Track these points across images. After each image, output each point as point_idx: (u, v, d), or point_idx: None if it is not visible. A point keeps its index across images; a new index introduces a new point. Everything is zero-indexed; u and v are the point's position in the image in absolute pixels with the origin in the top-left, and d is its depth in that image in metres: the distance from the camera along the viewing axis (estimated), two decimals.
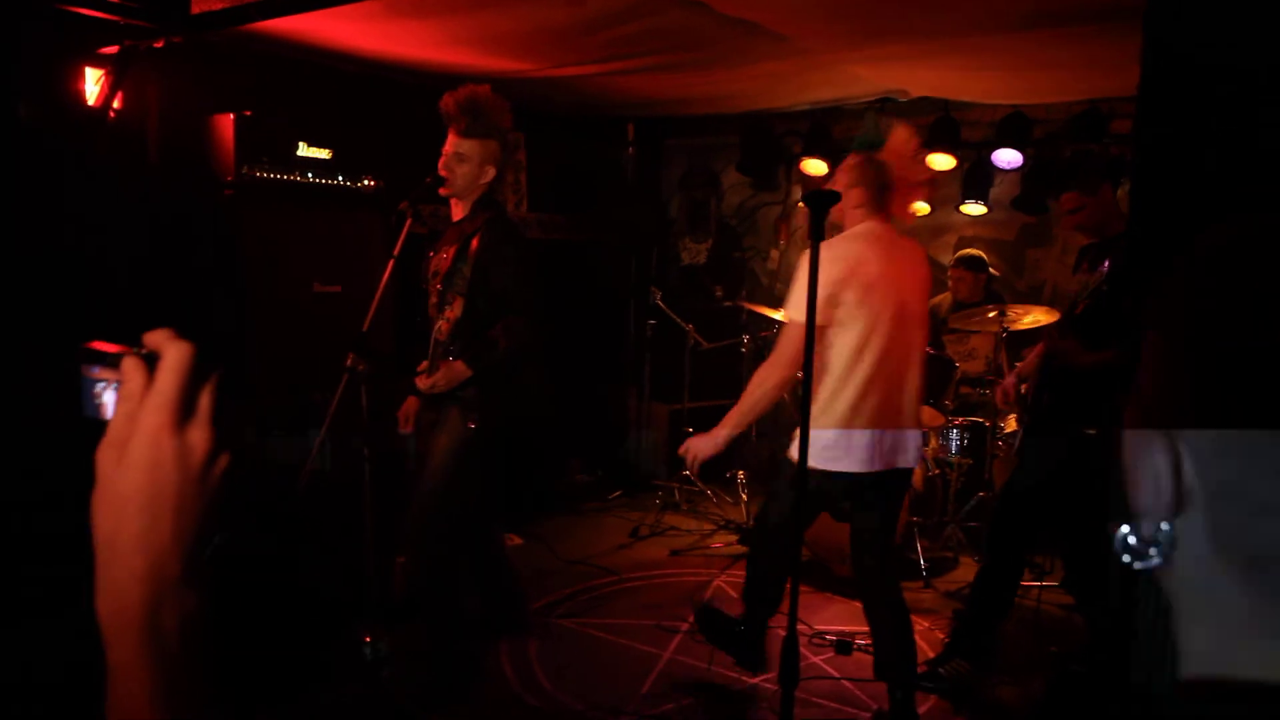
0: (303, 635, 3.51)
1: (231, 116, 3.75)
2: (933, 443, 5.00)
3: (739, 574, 4.56)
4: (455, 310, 3.09)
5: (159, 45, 3.35)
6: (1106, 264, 3.24)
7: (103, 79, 3.49)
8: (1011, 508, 3.48)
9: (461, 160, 3.09)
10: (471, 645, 3.41)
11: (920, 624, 3.95)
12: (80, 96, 3.47)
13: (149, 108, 3.75)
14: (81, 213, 3.55)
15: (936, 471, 4.82)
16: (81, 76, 3.46)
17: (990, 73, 4.20)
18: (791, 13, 3.29)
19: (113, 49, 3.43)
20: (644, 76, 4.50)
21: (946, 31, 3.35)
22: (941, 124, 5.12)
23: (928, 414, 4.83)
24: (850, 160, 3.04)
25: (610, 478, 6.02)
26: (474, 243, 3.10)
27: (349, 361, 3.08)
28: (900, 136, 2.99)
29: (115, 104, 3.55)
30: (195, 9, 3.20)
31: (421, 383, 3.11)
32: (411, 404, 3.38)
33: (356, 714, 3.12)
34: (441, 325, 3.12)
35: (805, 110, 5.53)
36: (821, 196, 2.01)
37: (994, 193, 5.48)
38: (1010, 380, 3.89)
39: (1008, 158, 5.00)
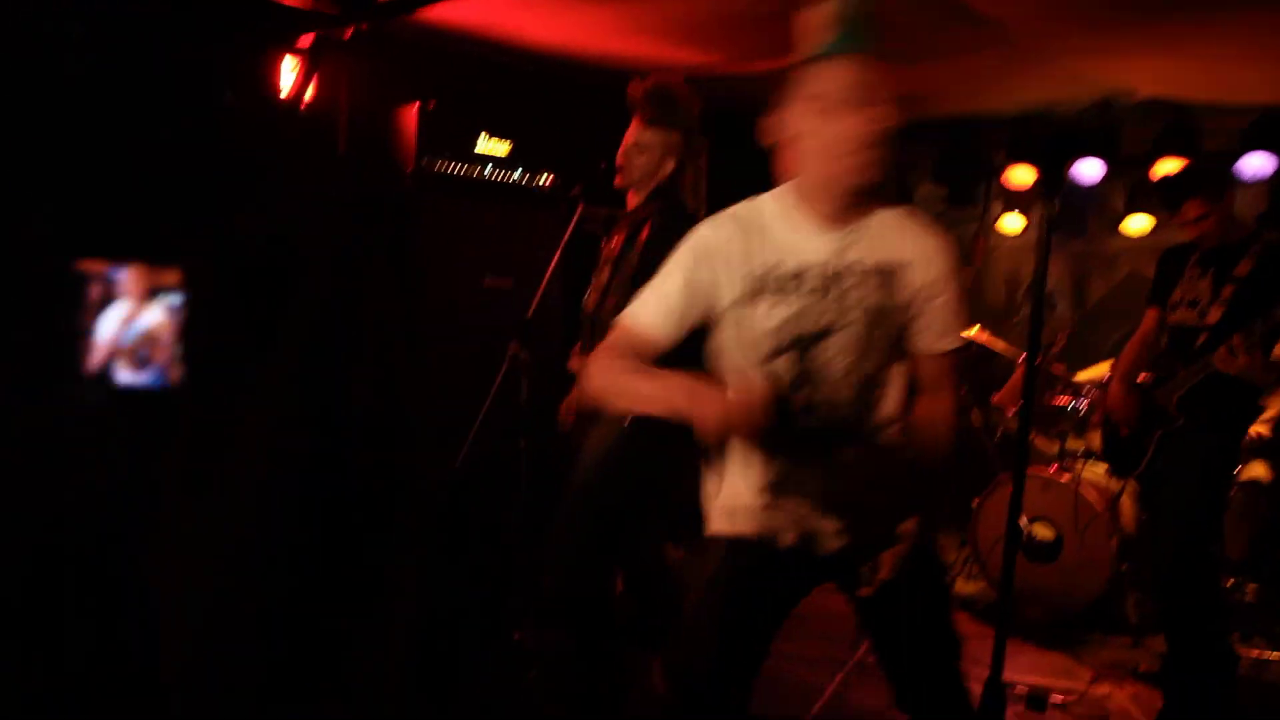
0: (450, 631, 3.42)
1: (415, 107, 3.79)
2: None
3: None
4: (618, 296, 2.92)
5: (348, 36, 3.40)
6: (1244, 267, 3.09)
7: (298, 69, 3.58)
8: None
9: (641, 150, 2.97)
10: (622, 653, 3.21)
11: (1132, 687, 3.43)
12: (277, 86, 3.57)
13: (339, 99, 3.83)
14: (275, 201, 3.64)
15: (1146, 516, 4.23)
16: (278, 67, 3.56)
17: (1240, 62, 3.67)
18: None
19: (307, 40, 3.50)
20: None
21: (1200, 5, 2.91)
22: (1175, 129, 4.55)
23: None
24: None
25: None
26: (644, 230, 2.95)
27: (512, 349, 3.02)
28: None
29: (307, 95, 3.64)
30: None
31: (574, 365, 2.95)
32: (575, 396, 3.23)
33: (497, 715, 2.97)
34: (599, 312, 2.96)
35: (1011, 118, 5.08)
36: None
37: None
38: (1120, 388, 3.44)
39: (1257, 165, 4.36)
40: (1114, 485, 4.16)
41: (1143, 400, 3.37)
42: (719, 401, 1.56)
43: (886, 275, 1.75)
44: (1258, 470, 4.14)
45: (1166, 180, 3.37)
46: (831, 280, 1.72)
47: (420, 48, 4.06)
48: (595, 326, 3.00)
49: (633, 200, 3.06)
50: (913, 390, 1.86)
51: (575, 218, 3.03)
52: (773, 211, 1.79)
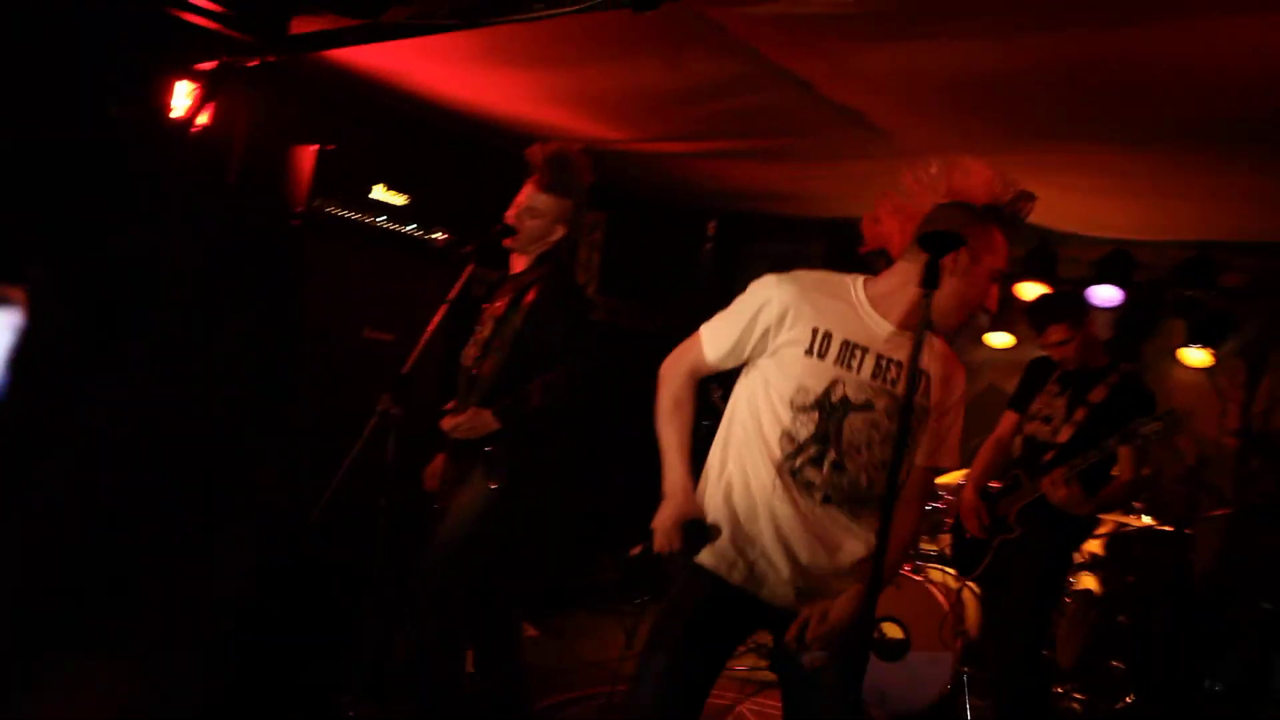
0: (288, 698, 3.21)
1: (313, 149, 3.70)
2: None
3: (765, 700, 4.14)
4: (497, 359, 2.90)
5: (253, 64, 3.31)
6: (1098, 394, 3.36)
7: (195, 92, 3.46)
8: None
9: (534, 214, 2.97)
10: None
11: None
12: (167, 106, 3.44)
13: (235, 129, 3.71)
14: (151, 221, 3.48)
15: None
16: (173, 87, 3.44)
17: (1099, 197, 3.96)
18: (896, 103, 3.13)
19: (209, 64, 3.40)
20: (735, 163, 4.38)
21: (1068, 137, 3.14)
22: (1038, 253, 4.88)
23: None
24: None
25: (641, 580, 5.63)
26: (529, 294, 2.94)
27: (381, 405, 2.93)
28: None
29: (203, 119, 3.52)
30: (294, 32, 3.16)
31: (445, 423, 2.90)
32: (439, 460, 3.17)
33: None
34: (477, 368, 2.91)
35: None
36: (944, 237, 1.69)
37: None
38: (971, 495, 3.65)
39: (1106, 294, 4.71)
40: (964, 591, 4.31)
41: (988, 507, 3.58)
42: (661, 515, 2.00)
43: (921, 379, 1.97)
44: (1089, 582, 4.36)
45: (1034, 305, 3.63)
46: (879, 367, 1.95)
47: (327, 88, 4.01)
48: (472, 384, 2.96)
49: (519, 263, 3.04)
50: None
51: (465, 275, 2.97)
52: (856, 290, 2.00)
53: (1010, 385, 5.52)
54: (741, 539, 2.00)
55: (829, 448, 1.94)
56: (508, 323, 2.93)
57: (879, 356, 1.94)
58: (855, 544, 1.99)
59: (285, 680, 3.25)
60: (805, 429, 1.94)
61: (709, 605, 2.03)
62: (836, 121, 3.45)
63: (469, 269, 2.98)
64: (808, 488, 1.96)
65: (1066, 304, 3.49)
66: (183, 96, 3.44)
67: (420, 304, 3.96)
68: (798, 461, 1.95)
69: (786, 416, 1.96)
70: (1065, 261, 5.03)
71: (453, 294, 2.99)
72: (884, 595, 4.16)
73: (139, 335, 3.40)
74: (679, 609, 2.07)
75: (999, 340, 5.44)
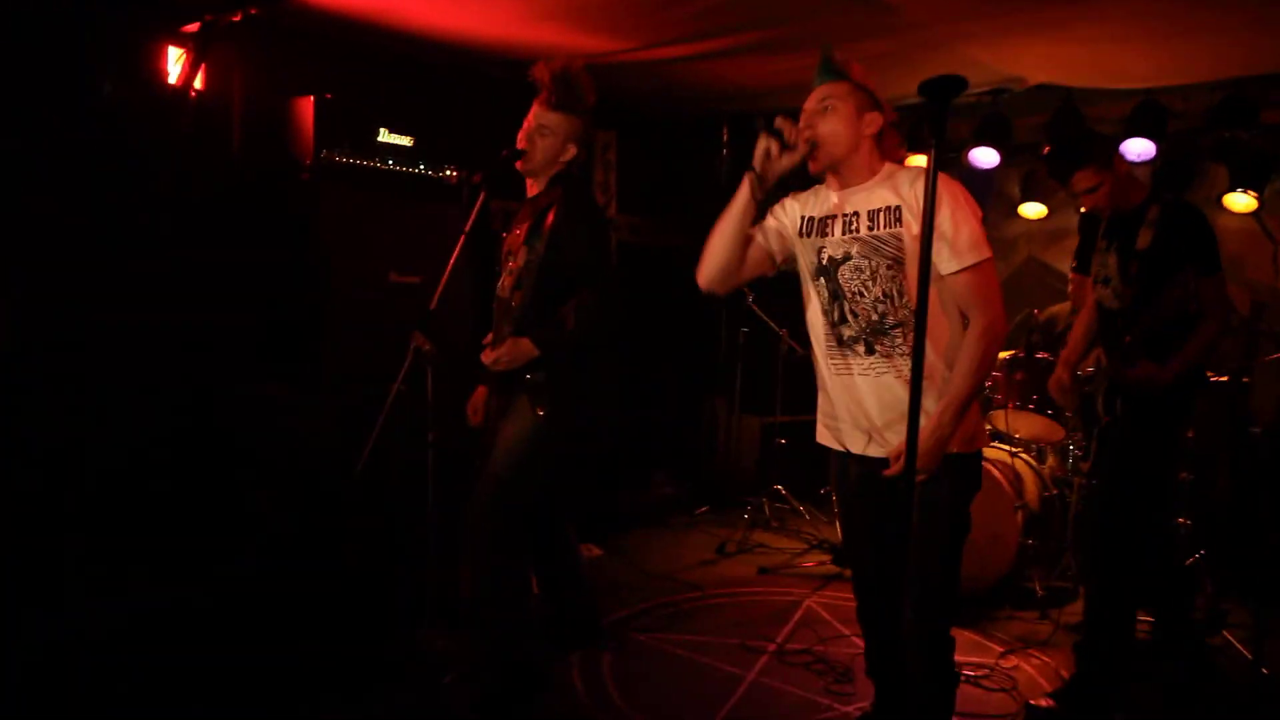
0: (362, 633, 3.32)
1: (311, 99, 3.67)
2: (1050, 460, 4.55)
3: (831, 595, 4.19)
4: (527, 287, 2.88)
5: (238, 19, 3.27)
6: (1144, 238, 2.96)
7: (184, 58, 3.44)
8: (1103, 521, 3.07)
9: (544, 133, 2.91)
10: (538, 653, 3.14)
11: (1039, 659, 3.52)
12: (163, 75, 3.43)
13: (232, 89, 3.72)
14: (164, 192, 3.49)
15: (1054, 491, 4.36)
16: (164, 54, 3.42)
17: (1121, 45, 3.79)
18: None
19: (194, 26, 3.36)
20: (737, 60, 4.26)
21: None
22: (1063, 113, 4.70)
23: (1045, 427, 4.39)
24: (840, 86, 2.30)
25: (697, 491, 5.76)
26: (549, 217, 2.90)
27: (414, 342, 2.94)
28: (859, 68, 2.35)
29: (197, 84, 3.50)
30: None
31: (485, 357, 2.89)
32: (481, 393, 3.18)
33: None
34: (510, 300, 2.91)
35: (912, 106, 5.18)
36: (946, 82, 1.62)
37: None
38: (1064, 375, 3.33)
39: (1138, 149, 4.54)
40: (1017, 463, 4.29)
41: (1079, 393, 3.31)
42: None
43: (876, 216, 2.25)
44: None
45: (1053, 152, 3.27)
46: (844, 223, 2.30)
47: (316, 37, 3.95)
48: (507, 313, 2.95)
49: (533, 188, 3.00)
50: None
51: (478, 205, 2.94)
52: (821, 183, 2.41)
53: (1048, 255, 5.48)
54: (829, 409, 2.44)
55: (842, 300, 2.31)
56: (530, 250, 2.90)
57: (843, 215, 2.31)
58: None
59: (364, 614, 3.34)
60: (824, 292, 2.35)
61: (842, 478, 2.49)
62: (836, 1, 3.33)
63: (481, 198, 2.95)
64: (851, 343, 2.32)
65: (1087, 145, 3.12)
66: (174, 63, 3.41)
67: (442, 243, 3.95)
68: (834, 319, 2.33)
69: (812, 289, 2.40)
70: (1092, 121, 4.84)
71: (468, 225, 2.98)
72: None
73: (155, 311, 3.44)
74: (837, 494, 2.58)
75: (1032, 211, 5.31)
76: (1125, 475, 3.03)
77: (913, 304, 2.21)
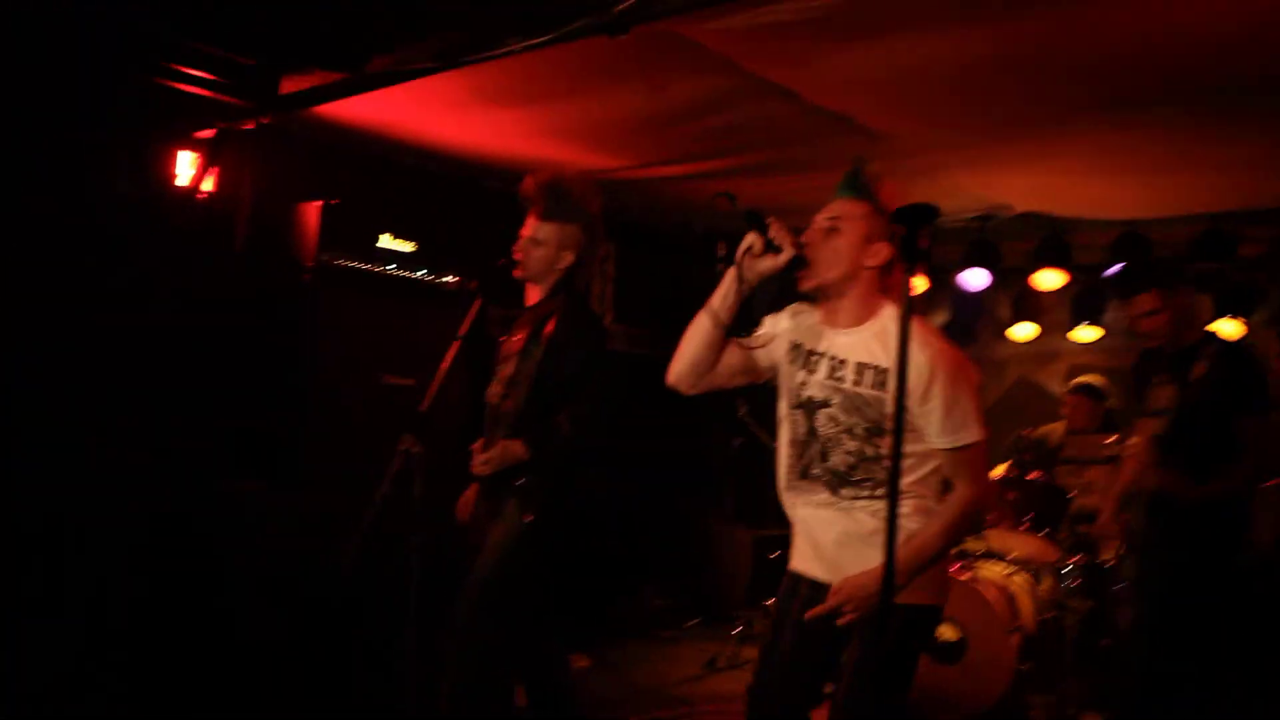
0: None
1: (318, 204, 3.78)
2: (1046, 581, 4.49)
3: (822, 716, 4.06)
4: (521, 392, 2.91)
5: (250, 127, 3.40)
6: (1199, 370, 2.97)
7: (197, 161, 3.56)
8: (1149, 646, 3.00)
9: (537, 244, 2.98)
10: None
11: None
12: (172, 176, 3.54)
13: (241, 192, 3.81)
14: (168, 289, 3.56)
15: (1051, 614, 4.28)
16: (175, 158, 3.53)
17: (1102, 178, 3.93)
18: (884, 103, 3.14)
19: (208, 132, 3.50)
20: (734, 181, 4.37)
21: (1062, 120, 3.13)
22: (1050, 241, 4.85)
23: (1038, 547, 4.35)
24: (857, 207, 2.19)
25: (687, 604, 5.68)
26: (549, 325, 2.95)
27: (403, 444, 2.90)
28: (890, 188, 2.24)
29: (208, 186, 3.62)
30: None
31: (476, 462, 2.90)
32: (472, 491, 3.16)
33: None
34: (503, 404, 2.93)
35: (899, 234, 5.33)
36: (919, 211, 1.67)
37: (1108, 318, 5.14)
38: (1110, 507, 3.39)
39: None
40: (1011, 584, 4.24)
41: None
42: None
43: (863, 372, 2.14)
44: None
45: (1120, 273, 3.28)
46: (831, 367, 2.18)
47: (324, 145, 4.09)
48: (499, 420, 2.96)
49: (533, 294, 3.05)
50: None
51: (473, 310, 2.98)
52: (815, 310, 2.27)
53: (1038, 376, 5.54)
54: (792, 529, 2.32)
55: (815, 443, 2.20)
56: (529, 356, 2.93)
57: (830, 358, 2.18)
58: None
59: None
60: (800, 426, 2.23)
61: (789, 594, 2.31)
62: (829, 128, 3.46)
63: (477, 303, 2.98)
64: (815, 479, 2.20)
65: (1157, 269, 3.12)
66: (185, 166, 3.53)
67: (437, 347, 3.94)
68: (804, 455, 2.22)
69: (786, 415, 2.28)
70: (1078, 248, 4.99)
71: (463, 329, 2.98)
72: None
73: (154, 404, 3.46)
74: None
75: (1022, 333, 5.41)
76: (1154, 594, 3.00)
77: (885, 468, 2.08)
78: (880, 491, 2.11)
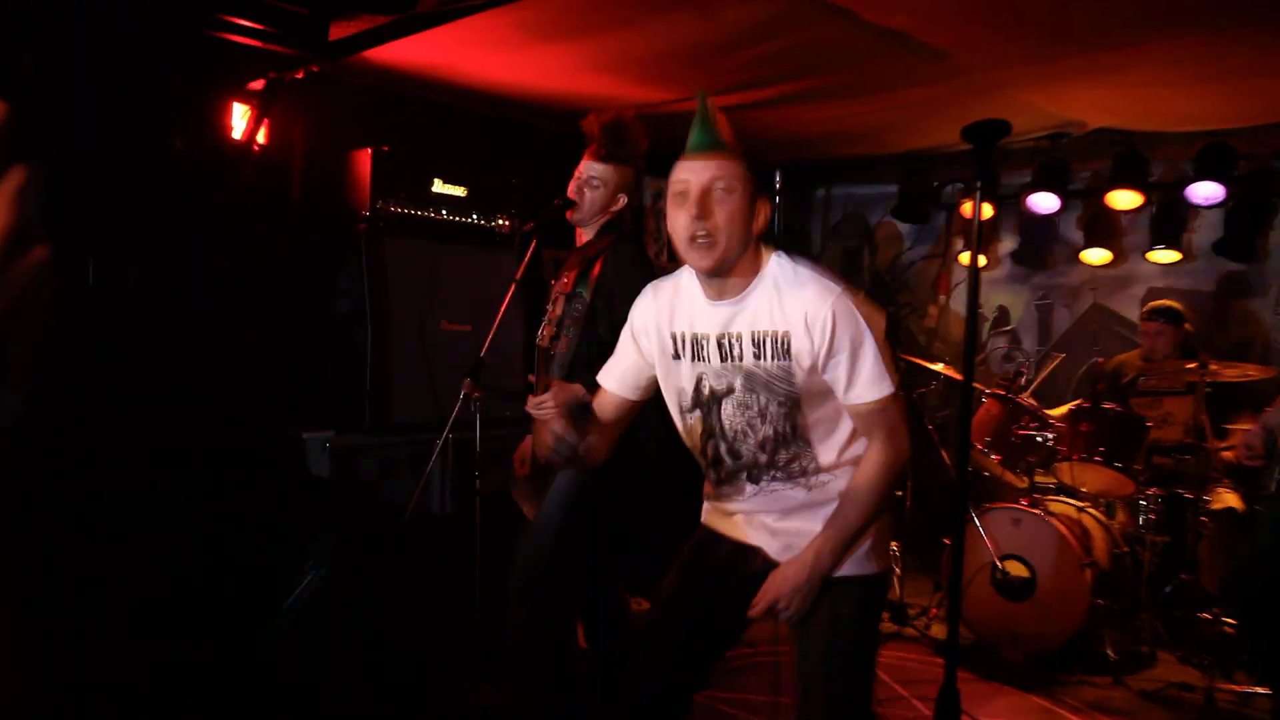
0: (408, 687, 3.34)
1: (369, 151, 3.82)
2: (1120, 515, 4.44)
3: (889, 654, 4.11)
4: (572, 336, 2.92)
5: (300, 76, 3.43)
6: None
7: (249, 113, 3.60)
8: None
9: (594, 185, 2.97)
10: (586, 708, 3.12)
11: None
12: (228, 130, 3.60)
13: (294, 142, 3.86)
14: (228, 244, 3.64)
15: (1126, 549, 4.23)
16: (229, 110, 3.58)
17: (1181, 89, 3.76)
18: (946, 17, 3.03)
19: (259, 83, 3.53)
20: (789, 109, 4.32)
21: (1137, 27, 2.99)
22: (1125, 158, 4.67)
23: (1113, 481, 4.29)
24: (733, 160, 1.91)
25: None
26: (597, 266, 2.94)
27: (465, 389, 2.98)
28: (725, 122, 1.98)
29: (261, 138, 3.66)
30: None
31: (530, 401, 2.93)
32: (528, 443, 3.19)
33: None
34: (554, 347, 2.96)
35: (968, 152, 5.19)
36: (989, 128, 1.63)
37: (1189, 238, 4.96)
38: (1257, 432, 3.33)
39: (1207, 192, 4.48)
40: (1084, 518, 4.19)
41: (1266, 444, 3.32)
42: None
43: (763, 343, 1.93)
44: (1229, 499, 4.16)
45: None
46: (723, 349, 1.96)
47: (373, 91, 4.10)
48: (550, 362, 2.98)
49: (582, 237, 3.06)
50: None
51: (528, 254, 3.02)
52: (688, 283, 2.05)
53: (1113, 302, 5.39)
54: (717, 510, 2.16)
55: (719, 440, 2.03)
56: (578, 297, 2.94)
57: (720, 337, 1.97)
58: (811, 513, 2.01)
59: (410, 667, 3.37)
60: (697, 428, 2.05)
61: (707, 544, 2.18)
62: (885, 48, 3.37)
63: (532, 246, 3.02)
64: (729, 479, 2.05)
65: None
66: (239, 118, 3.58)
67: (494, 292, 4.04)
68: (709, 457, 2.06)
69: (681, 425, 2.11)
70: (1157, 164, 4.82)
71: (519, 273, 3.05)
72: (1005, 533, 4.07)
73: (225, 357, 3.58)
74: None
75: (1096, 256, 5.25)
76: None
77: (810, 439, 1.97)
78: (813, 467, 1.98)
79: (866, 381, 1.89)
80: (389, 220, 3.86)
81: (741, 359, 1.96)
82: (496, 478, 3.19)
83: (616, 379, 2.18)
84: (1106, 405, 4.31)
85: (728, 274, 1.93)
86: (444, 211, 4.06)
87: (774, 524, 2.04)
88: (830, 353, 1.87)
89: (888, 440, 1.94)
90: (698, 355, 2.01)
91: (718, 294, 1.96)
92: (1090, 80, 3.77)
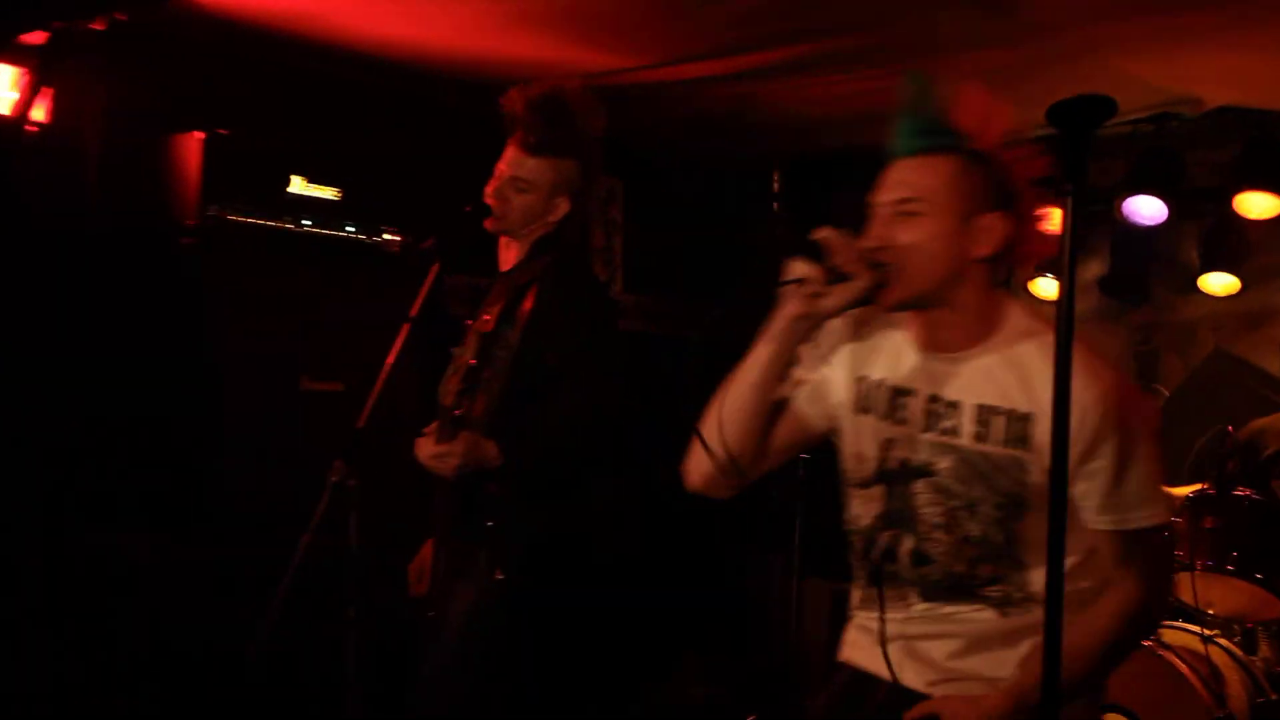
0: None
1: (200, 136, 3.79)
2: (1263, 648, 4.44)
3: None
4: (493, 394, 2.90)
5: (100, 28, 3.38)
6: None
7: (22, 79, 3.57)
8: None
9: (521, 187, 2.98)
10: None
11: None
12: None
13: (89, 122, 3.81)
14: None
15: (1275, 696, 4.22)
16: None
17: None
18: None
19: (38, 36, 3.50)
20: (798, 82, 4.39)
21: None
22: (1258, 150, 4.74)
23: (1252, 598, 4.30)
24: (939, 167, 2.00)
25: (741, 690, 5.67)
26: (529, 297, 2.94)
27: (334, 475, 2.96)
28: (978, 102, 2.03)
29: (39, 114, 3.62)
30: None
31: (423, 450, 2.90)
32: (427, 550, 3.18)
33: None
34: (467, 408, 2.93)
35: (1041, 139, 5.28)
36: (1088, 106, 1.60)
37: None
38: None
39: None
40: (1213, 652, 4.19)
41: None
42: None
43: (991, 421, 2.00)
44: None
45: None
46: (931, 415, 2.06)
47: (207, 51, 4.08)
48: (458, 428, 2.91)
49: (510, 256, 3.06)
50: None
51: (428, 282, 3.00)
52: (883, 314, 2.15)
53: (1243, 347, 5.46)
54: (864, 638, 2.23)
55: (904, 530, 2.08)
56: (501, 341, 2.92)
57: (934, 399, 2.06)
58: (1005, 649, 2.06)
59: None
60: (876, 506, 2.12)
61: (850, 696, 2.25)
62: None
63: (434, 270, 3.01)
64: (905, 585, 2.11)
65: None
66: (5, 86, 3.53)
67: (377, 336, 4.03)
68: (882, 550, 2.11)
69: (849, 505, 2.21)
70: None
71: (414, 310, 3.02)
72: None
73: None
74: None
75: (1219, 284, 5.31)
76: None
77: (1025, 558, 2.02)
78: (1019, 596, 2.03)
79: (1133, 501, 1.94)
80: (227, 233, 3.82)
81: (956, 431, 2.03)
82: (382, 601, 3.15)
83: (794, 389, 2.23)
84: (1240, 491, 4.34)
85: (935, 317, 2.04)
86: (307, 221, 4.04)
87: (948, 661, 2.07)
88: (1088, 456, 1.91)
89: (1147, 580, 2.00)
90: (893, 413, 2.10)
91: (928, 341, 2.08)
92: (1210, 43, 3.86)
